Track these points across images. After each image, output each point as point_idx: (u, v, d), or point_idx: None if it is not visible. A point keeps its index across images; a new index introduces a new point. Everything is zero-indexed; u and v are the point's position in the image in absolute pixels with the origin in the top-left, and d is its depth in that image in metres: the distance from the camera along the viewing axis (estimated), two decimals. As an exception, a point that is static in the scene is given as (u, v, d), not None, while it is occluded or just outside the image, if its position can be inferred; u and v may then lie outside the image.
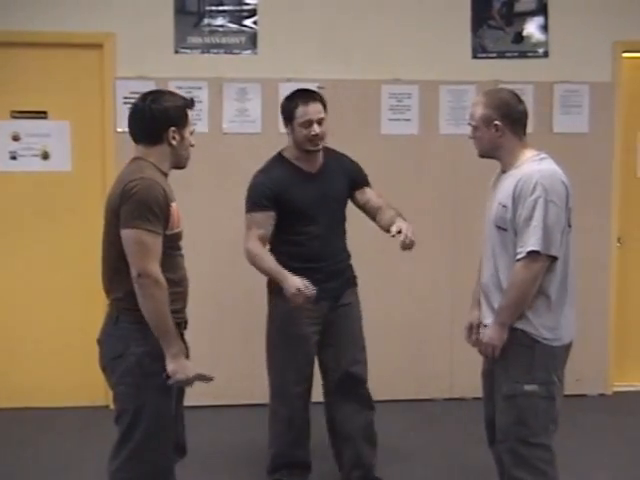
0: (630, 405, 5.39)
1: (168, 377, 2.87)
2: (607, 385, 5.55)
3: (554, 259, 3.03)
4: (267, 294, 3.89)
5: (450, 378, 5.42)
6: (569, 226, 3.11)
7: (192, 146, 3.07)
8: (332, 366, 3.88)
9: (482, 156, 3.26)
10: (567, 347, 3.18)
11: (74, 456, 4.48)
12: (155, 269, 2.81)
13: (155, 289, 2.81)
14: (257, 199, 3.73)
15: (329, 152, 3.91)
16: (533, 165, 3.09)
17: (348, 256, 3.99)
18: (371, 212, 3.95)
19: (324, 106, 3.78)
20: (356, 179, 3.94)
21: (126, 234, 2.83)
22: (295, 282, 3.55)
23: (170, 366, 2.85)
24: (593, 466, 4.34)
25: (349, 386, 3.88)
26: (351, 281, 3.96)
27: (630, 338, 5.67)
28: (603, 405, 5.39)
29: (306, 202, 3.75)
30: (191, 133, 3.05)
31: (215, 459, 4.22)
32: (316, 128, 3.70)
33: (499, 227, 3.12)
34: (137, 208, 2.81)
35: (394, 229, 3.66)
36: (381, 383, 5.31)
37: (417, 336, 5.38)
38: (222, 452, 4.47)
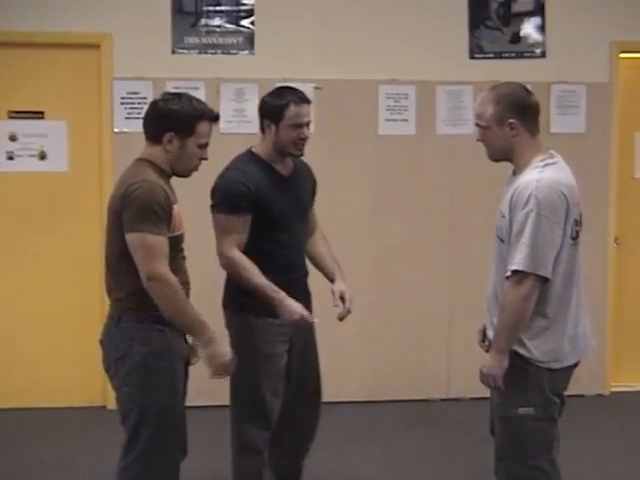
0: (627, 405, 5.39)
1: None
2: (604, 385, 5.55)
3: (546, 280, 2.79)
4: (225, 310, 3.51)
5: (447, 378, 5.42)
6: (573, 238, 2.88)
7: (204, 159, 2.98)
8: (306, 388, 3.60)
9: (494, 159, 3.00)
10: (572, 366, 2.97)
11: (72, 456, 4.47)
12: (163, 269, 2.80)
13: (167, 289, 2.80)
14: (236, 200, 3.30)
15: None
16: (533, 173, 2.84)
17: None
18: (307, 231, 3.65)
19: None
20: (314, 190, 3.66)
21: (131, 238, 2.81)
22: (297, 307, 3.27)
23: (204, 352, 2.87)
24: (590, 466, 4.34)
25: (316, 404, 3.66)
26: (310, 296, 3.61)
27: (627, 338, 5.67)
28: (600, 405, 5.39)
29: (283, 208, 3.39)
30: (200, 146, 2.94)
31: (215, 459, 4.20)
32: (306, 131, 3.37)
33: (498, 237, 2.93)
34: (140, 211, 2.78)
35: (337, 293, 3.44)
36: (379, 383, 5.35)
37: (415, 336, 5.37)
38: (222, 452, 4.46)
